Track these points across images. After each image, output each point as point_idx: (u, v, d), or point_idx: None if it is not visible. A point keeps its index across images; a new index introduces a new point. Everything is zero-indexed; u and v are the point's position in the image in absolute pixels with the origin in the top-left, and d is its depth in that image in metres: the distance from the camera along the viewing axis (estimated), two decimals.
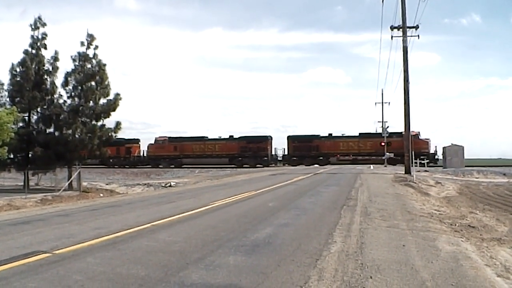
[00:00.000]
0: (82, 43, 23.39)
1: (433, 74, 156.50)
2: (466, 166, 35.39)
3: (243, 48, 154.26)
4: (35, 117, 23.90)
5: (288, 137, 52.38)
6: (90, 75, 23.12)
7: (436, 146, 46.13)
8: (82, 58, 23.34)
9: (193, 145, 52.08)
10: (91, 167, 40.56)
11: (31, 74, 23.08)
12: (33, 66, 23.38)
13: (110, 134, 23.82)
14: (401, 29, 25.67)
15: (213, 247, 5.94)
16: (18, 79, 23.14)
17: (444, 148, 38.94)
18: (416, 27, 25.68)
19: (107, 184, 26.40)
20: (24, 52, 23.43)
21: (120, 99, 23.68)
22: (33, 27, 23.66)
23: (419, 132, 44.00)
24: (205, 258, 5.30)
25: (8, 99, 23.04)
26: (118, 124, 24.23)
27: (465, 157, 38.43)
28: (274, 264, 5.01)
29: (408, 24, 25.57)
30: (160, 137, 54.80)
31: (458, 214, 10.08)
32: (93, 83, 23.19)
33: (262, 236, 6.74)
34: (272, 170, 39.06)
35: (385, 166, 41.15)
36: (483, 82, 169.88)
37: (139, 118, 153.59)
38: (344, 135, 51.02)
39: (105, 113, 23.40)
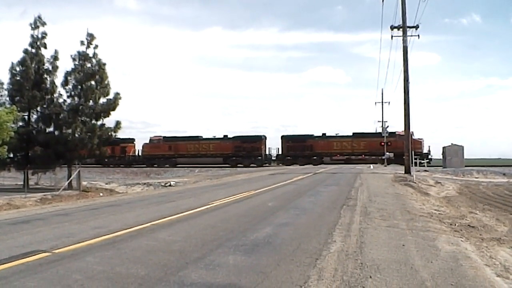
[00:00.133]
0: (82, 43, 23.46)
1: (433, 74, 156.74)
2: (466, 166, 35.38)
3: (243, 48, 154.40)
4: (35, 116, 23.95)
5: (282, 137, 52.62)
6: (90, 74, 23.14)
7: (429, 146, 46.42)
8: (82, 57, 23.36)
9: (187, 145, 52.36)
10: (85, 167, 40.59)
11: (31, 73, 23.09)
12: (33, 65, 23.40)
13: (110, 133, 23.86)
14: (401, 29, 25.65)
15: (213, 247, 5.93)
16: (18, 78, 23.16)
17: (444, 148, 38.93)
18: (416, 27, 25.68)
19: (106, 184, 26.39)
20: (24, 51, 23.47)
21: (120, 98, 23.75)
22: (33, 26, 23.71)
23: (412, 132, 44.09)
24: (204, 258, 5.30)
25: (8, 98, 23.11)
26: (118, 123, 24.31)
27: (465, 157, 38.45)
28: (273, 264, 5.01)
29: (408, 24, 25.57)
30: (155, 136, 55.05)
31: (457, 214, 10.08)
32: (93, 82, 23.22)
33: (262, 236, 6.73)
34: (272, 169, 39.06)
35: (385, 166, 41.22)
36: (483, 82, 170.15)
37: (139, 118, 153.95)
38: (337, 134, 51.22)
39: (105, 113, 23.43)
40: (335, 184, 18.45)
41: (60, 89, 23.86)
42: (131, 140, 55.92)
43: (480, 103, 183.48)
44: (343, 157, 48.87)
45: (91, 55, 23.47)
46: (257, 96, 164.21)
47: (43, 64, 23.88)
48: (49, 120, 23.56)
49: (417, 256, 5.46)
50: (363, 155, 47.90)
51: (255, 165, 47.57)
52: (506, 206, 12.75)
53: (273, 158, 52.44)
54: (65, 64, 31.33)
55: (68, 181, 22.05)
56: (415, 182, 19.09)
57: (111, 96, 23.58)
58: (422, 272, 4.72)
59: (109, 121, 23.99)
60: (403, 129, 27.05)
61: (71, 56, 23.45)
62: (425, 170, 30.96)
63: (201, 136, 53.68)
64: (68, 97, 23.58)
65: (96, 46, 23.60)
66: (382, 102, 50.82)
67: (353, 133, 50.45)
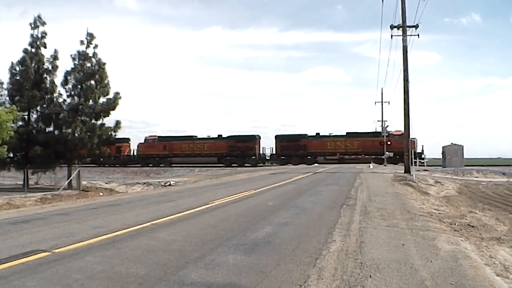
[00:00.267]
0: (81, 42, 23.40)
1: (433, 73, 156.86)
2: (465, 166, 35.38)
3: (243, 47, 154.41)
4: (34, 116, 23.92)
5: (276, 137, 52.83)
6: (89, 74, 23.11)
7: (422, 146, 46.61)
8: (82, 57, 23.33)
9: (182, 144, 52.60)
10: (83, 166, 40.52)
11: (31, 73, 23.07)
12: (33, 65, 23.38)
13: (109, 133, 23.82)
14: (401, 28, 25.65)
15: (213, 246, 5.94)
16: (17, 78, 23.13)
17: (443, 147, 38.93)
18: (416, 26, 25.67)
19: (106, 183, 26.35)
20: (23, 51, 23.44)
21: (120, 98, 23.71)
22: (32, 26, 23.66)
23: None
24: (204, 257, 5.30)
25: (7, 98, 23.07)
26: (117, 123, 24.27)
27: (465, 156, 38.45)
28: (273, 263, 5.01)
29: (408, 23, 25.57)
30: (150, 136, 55.31)
31: (457, 214, 10.08)
32: (92, 82, 23.18)
33: (262, 235, 6.74)
34: (272, 169, 39.06)
35: (385, 166, 41.24)
36: (483, 82, 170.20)
37: (139, 117, 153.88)
38: (331, 134, 51.35)
39: (105, 112, 23.40)
40: (335, 184, 18.45)
41: (60, 89, 23.86)
42: (127, 140, 55.93)
43: (480, 102, 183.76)
44: (336, 156, 49.01)
45: (91, 54, 23.43)
46: (257, 96, 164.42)
47: (43, 63, 23.85)
48: (49, 119, 23.54)
49: (417, 256, 5.46)
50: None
51: (249, 165, 47.70)
52: (506, 206, 12.75)
53: (267, 158, 52.56)
54: (65, 64, 31.38)
55: (68, 180, 22.04)
56: (414, 182, 19.09)
57: (111, 95, 23.56)
58: (422, 272, 4.72)
59: (109, 121, 24.00)
60: (403, 129, 26.98)
61: (71, 55, 23.44)
62: (425, 170, 30.97)
63: (196, 136, 54.06)
64: (68, 96, 23.57)
65: (96, 46, 23.59)
66: (382, 101, 50.88)
67: (347, 133, 50.65)
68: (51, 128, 23.80)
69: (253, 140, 50.93)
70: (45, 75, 23.86)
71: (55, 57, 24.01)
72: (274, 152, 52.21)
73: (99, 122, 23.49)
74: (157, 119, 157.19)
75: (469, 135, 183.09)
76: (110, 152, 50.65)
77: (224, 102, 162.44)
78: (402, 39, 25.59)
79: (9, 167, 23.83)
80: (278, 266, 4.91)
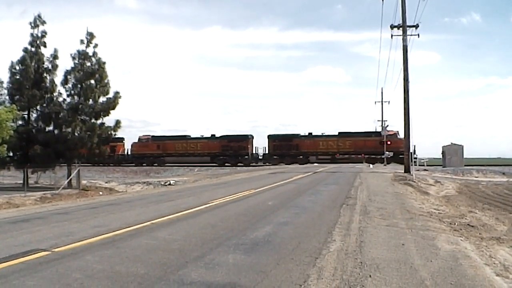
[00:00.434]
0: (81, 41, 23.38)
1: (433, 73, 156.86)
2: (465, 165, 35.40)
3: (243, 47, 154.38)
4: (34, 115, 23.90)
5: (269, 136, 52.95)
6: (89, 73, 23.10)
7: (415, 145, 46.50)
8: (82, 56, 23.31)
9: (175, 144, 52.84)
10: (81, 166, 40.53)
11: (31, 72, 23.05)
12: (33, 64, 23.35)
13: (109, 132, 23.81)
14: (401, 28, 25.65)
15: (213, 246, 5.93)
16: (17, 77, 23.11)
17: (443, 147, 38.94)
18: (416, 26, 25.67)
19: (106, 182, 26.36)
20: (23, 50, 23.41)
21: (120, 97, 23.70)
22: (32, 25, 23.63)
23: (398, 132, 44.13)
24: (204, 257, 5.30)
25: (7, 97, 23.05)
26: (117, 122, 24.26)
27: (465, 156, 38.47)
28: (273, 263, 5.01)
29: (408, 23, 25.58)
30: (143, 135, 55.57)
31: (457, 213, 10.08)
32: (92, 81, 23.17)
33: (262, 235, 6.74)
34: (272, 168, 39.06)
35: (385, 165, 41.25)
36: (483, 81, 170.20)
37: (139, 117, 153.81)
38: (323, 134, 51.37)
39: (105, 111, 23.39)
40: (335, 183, 18.46)
41: (59, 88, 23.84)
42: (121, 139, 55.80)
43: (479, 102, 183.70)
44: (328, 156, 49.03)
45: (91, 54, 23.41)
46: (257, 95, 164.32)
47: (43, 63, 23.83)
48: (49, 119, 23.52)
49: (417, 255, 5.46)
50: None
51: (242, 164, 47.87)
52: (506, 205, 12.75)
53: (260, 157, 52.70)
54: (65, 63, 31.40)
55: (68, 179, 22.03)
56: (414, 181, 19.09)
57: (110, 95, 23.54)
58: (422, 271, 4.72)
59: (109, 120, 23.99)
60: (403, 129, 27.01)
61: (71, 55, 23.42)
62: (425, 170, 30.98)
63: (189, 136, 54.38)
64: (67, 96, 23.56)
65: (96, 45, 23.57)
66: (382, 101, 50.99)
67: (339, 133, 50.71)
68: (51, 127, 23.79)
69: (246, 139, 51.15)
70: (45, 74, 23.84)
71: (55, 56, 23.99)
72: (266, 151, 52.31)
73: (99, 121, 23.49)
74: (156, 118, 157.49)
75: (469, 135, 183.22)
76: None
77: (224, 101, 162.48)
78: (402, 39, 25.60)
79: (9, 166, 23.83)
80: (278, 265, 4.91)
